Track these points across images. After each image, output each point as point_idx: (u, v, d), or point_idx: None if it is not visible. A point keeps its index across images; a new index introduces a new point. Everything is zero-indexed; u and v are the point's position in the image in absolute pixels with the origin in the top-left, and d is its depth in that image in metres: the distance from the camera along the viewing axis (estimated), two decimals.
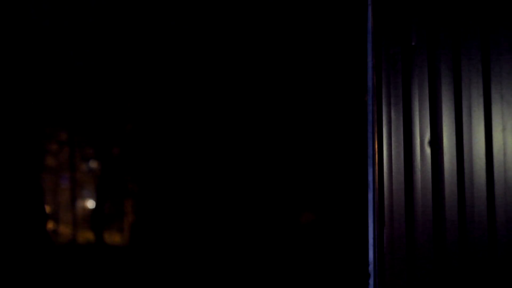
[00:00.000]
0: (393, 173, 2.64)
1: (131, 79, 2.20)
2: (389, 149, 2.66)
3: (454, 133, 2.51)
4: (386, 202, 2.64)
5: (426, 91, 2.58)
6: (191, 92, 2.40)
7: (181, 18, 2.41)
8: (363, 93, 2.66)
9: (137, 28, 2.24)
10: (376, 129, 2.68)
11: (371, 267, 2.62)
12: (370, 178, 2.67)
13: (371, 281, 2.62)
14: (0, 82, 1.82)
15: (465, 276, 2.42)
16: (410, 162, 2.60)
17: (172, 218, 2.35)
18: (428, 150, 2.57)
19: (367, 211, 2.67)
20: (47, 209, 1.84)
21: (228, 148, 2.36)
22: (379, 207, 2.64)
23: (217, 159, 2.34)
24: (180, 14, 2.41)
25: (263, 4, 2.54)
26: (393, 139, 2.66)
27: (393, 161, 2.65)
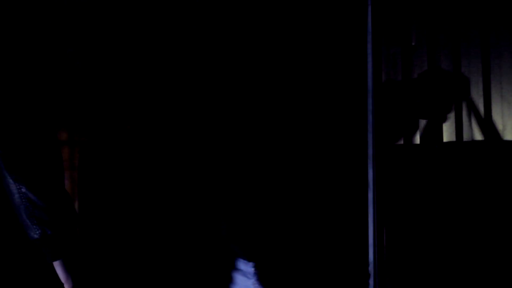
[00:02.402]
0: (393, 173, 2.64)
1: (130, 79, 2.20)
2: (389, 149, 2.66)
3: (454, 133, 2.51)
4: (386, 202, 2.64)
5: None
6: (192, 94, 2.40)
7: (182, 19, 2.41)
8: (363, 93, 2.66)
9: (137, 28, 2.25)
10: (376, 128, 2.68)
11: (371, 267, 2.62)
12: (370, 178, 2.66)
13: (371, 281, 2.61)
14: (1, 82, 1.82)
15: (465, 276, 2.42)
16: (410, 162, 2.60)
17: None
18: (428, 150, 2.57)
19: (367, 211, 2.66)
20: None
21: (224, 145, 2.36)
22: (379, 207, 2.64)
23: (213, 157, 2.34)
24: (180, 15, 2.41)
25: (262, 3, 2.54)
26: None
27: (393, 161, 2.65)
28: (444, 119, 2.47)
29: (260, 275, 2.19)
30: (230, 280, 2.26)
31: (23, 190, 1.73)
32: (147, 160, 2.29)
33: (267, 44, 2.54)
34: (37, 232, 1.76)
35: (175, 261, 2.33)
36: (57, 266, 1.80)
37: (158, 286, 2.29)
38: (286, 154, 2.52)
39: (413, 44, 2.64)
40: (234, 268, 2.23)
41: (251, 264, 2.19)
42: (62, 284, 1.84)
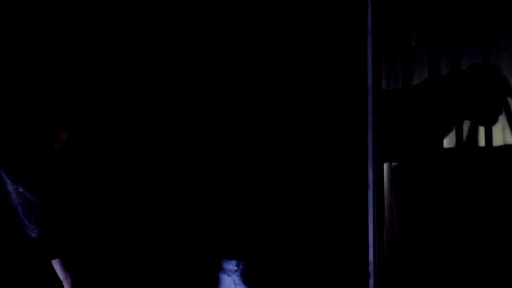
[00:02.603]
0: (393, 173, 2.64)
1: (131, 79, 2.20)
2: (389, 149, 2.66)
3: (454, 133, 2.51)
4: (386, 202, 2.64)
5: None
6: (189, 93, 2.40)
7: (180, 20, 2.41)
8: (363, 93, 2.66)
9: (137, 28, 2.25)
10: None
11: (371, 267, 2.62)
12: (370, 178, 2.66)
13: (371, 281, 2.61)
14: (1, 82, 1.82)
15: (465, 276, 2.42)
16: (410, 162, 2.60)
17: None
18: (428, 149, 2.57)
19: (367, 211, 2.66)
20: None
21: (229, 146, 2.36)
22: (379, 207, 2.64)
23: (218, 156, 2.35)
24: (179, 16, 2.41)
25: (261, 3, 2.54)
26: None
27: (393, 161, 2.65)
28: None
29: (241, 272, 2.21)
30: (216, 280, 2.27)
31: (21, 190, 1.75)
32: (137, 159, 2.29)
33: (266, 44, 2.54)
34: (35, 231, 1.78)
35: (164, 262, 2.34)
36: (56, 264, 1.82)
37: (148, 286, 2.30)
38: (282, 154, 2.52)
39: (413, 44, 2.64)
40: (220, 268, 2.25)
41: (233, 262, 2.21)
42: (61, 282, 1.85)
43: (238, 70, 2.47)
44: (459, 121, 2.51)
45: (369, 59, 2.66)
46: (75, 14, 2.00)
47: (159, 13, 2.35)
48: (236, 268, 2.19)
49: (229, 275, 2.21)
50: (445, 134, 2.53)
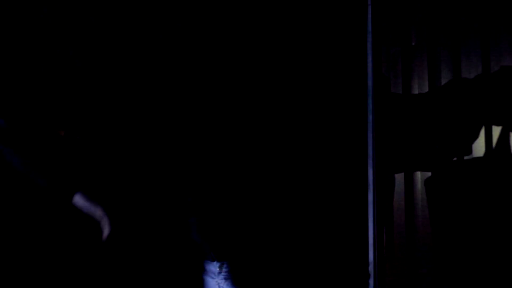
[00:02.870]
0: (393, 174, 2.64)
1: (131, 79, 2.20)
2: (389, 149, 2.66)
3: (455, 133, 2.51)
4: (386, 202, 2.64)
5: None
6: (188, 93, 2.40)
7: (179, 20, 2.41)
8: (363, 93, 2.66)
9: (136, 28, 2.25)
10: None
11: (371, 267, 2.62)
12: (370, 178, 2.66)
13: (371, 281, 2.61)
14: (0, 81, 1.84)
15: (465, 276, 2.42)
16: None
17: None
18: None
19: (367, 211, 2.66)
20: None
21: (226, 146, 2.35)
22: (379, 207, 2.64)
23: (218, 155, 2.34)
24: (178, 16, 2.41)
25: (261, 3, 2.54)
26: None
27: (393, 161, 2.65)
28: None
29: (226, 276, 2.20)
30: (201, 283, 2.27)
31: (16, 157, 1.82)
32: (126, 157, 2.30)
33: (267, 44, 2.54)
34: (44, 181, 1.83)
35: (149, 264, 2.34)
36: (79, 202, 1.82)
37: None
38: (280, 154, 2.52)
39: (413, 44, 2.64)
40: (204, 270, 2.24)
41: (215, 264, 2.21)
42: (90, 219, 1.84)
43: (238, 70, 2.47)
44: (459, 121, 2.51)
45: (369, 59, 2.66)
46: (75, 14, 2.01)
47: (159, 14, 2.35)
48: (219, 270, 2.18)
49: (212, 277, 2.20)
50: (446, 134, 2.53)
